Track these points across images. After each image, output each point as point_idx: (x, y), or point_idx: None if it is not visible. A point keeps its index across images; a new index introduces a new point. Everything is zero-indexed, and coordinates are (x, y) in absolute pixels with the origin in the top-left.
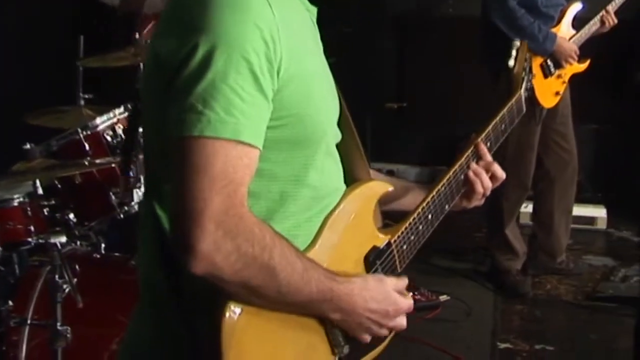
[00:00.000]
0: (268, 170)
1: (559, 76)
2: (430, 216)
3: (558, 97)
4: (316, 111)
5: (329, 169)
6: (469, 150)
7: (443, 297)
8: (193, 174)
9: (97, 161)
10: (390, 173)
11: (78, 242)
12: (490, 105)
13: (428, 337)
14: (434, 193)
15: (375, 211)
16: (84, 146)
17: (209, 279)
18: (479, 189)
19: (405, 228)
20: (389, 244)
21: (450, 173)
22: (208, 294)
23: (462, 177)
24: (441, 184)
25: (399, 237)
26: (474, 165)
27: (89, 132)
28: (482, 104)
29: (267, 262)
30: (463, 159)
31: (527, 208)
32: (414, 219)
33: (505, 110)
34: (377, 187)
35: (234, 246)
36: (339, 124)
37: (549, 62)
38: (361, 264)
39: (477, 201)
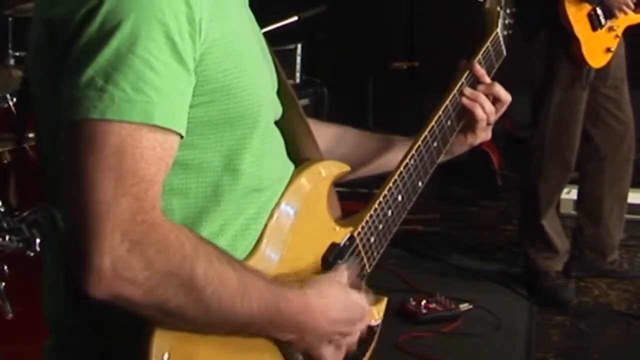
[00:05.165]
0: (195, 160)
1: (610, 29)
2: (400, 197)
3: (609, 55)
4: (248, 81)
5: (269, 151)
6: (462, 78)
7: (464, 306)
8: (91, 170)
9: (31, 135)
10: (386, 134)
11: (7, 237)
12: (521, 68)
13: (445, 355)
14: (402, 168)
15: (331, 198)
16: (14, 117)
17: (114, 304)
18: (481, 114)
19: (371, 216)
20: (351, 239)
21: (426, 132)
22: (129, 335)
23: (448, 125)
24: (410, 155)
25: (363, 228)
26: (467, 89)
27: None
28: (510, 65)
29: (189, 277)
30: (444, 106)
31: (570, 194)
32: (380, 203)
33: (480, 55)
34: (329, 168)
35: (145, 261)
36: (278, 96)
37: (598, 10)
38: (319, 268)
39: (484, 132)
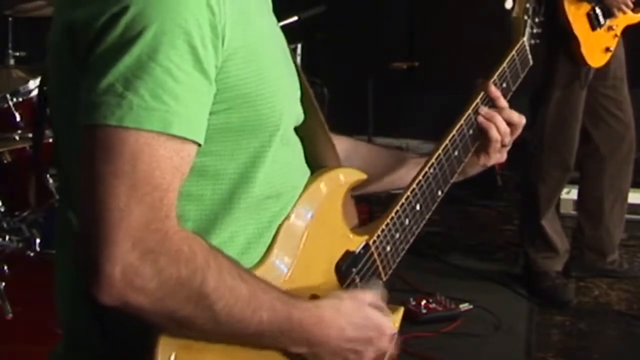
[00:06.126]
0: (212, 167)
1: (609, 28)
2: (418, 206)
3: (608, 55)
4: (269, 90)
5: (287, 159)
6: (478, 99)
7: (464, 306)
8: (106, 176)
9: (31, 135)
10: (397, 150)
11: (7, 237)
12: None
13: (445, 355)
14: (420, 177)
15: (347, 206)
16: (14, 117)
17: (123, 310)
18: (495, 134)
19: (387, 224)
20: (366, 247)
21: (447, 141)
22: (136, 338)
23: (470, 134)
24: (429, 163)
25: (379, 236)
26: (483, 108)
27: (20, 99)
28: None
29: (199, 289)
30: (466, 114)
31: (569, 194)
32: (397, 212)
33: (505, 64)
34: (347, 174)
35: (155, 270)
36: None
37: (597, 10)
38: (332, 275)
39: (498, 154)
